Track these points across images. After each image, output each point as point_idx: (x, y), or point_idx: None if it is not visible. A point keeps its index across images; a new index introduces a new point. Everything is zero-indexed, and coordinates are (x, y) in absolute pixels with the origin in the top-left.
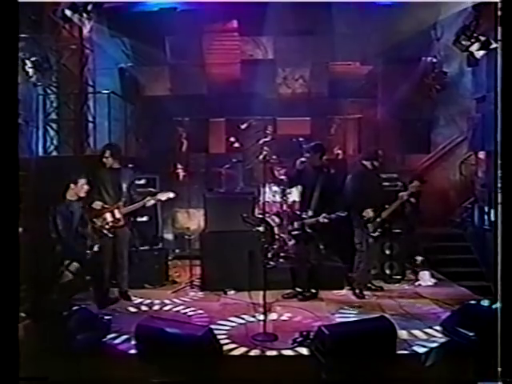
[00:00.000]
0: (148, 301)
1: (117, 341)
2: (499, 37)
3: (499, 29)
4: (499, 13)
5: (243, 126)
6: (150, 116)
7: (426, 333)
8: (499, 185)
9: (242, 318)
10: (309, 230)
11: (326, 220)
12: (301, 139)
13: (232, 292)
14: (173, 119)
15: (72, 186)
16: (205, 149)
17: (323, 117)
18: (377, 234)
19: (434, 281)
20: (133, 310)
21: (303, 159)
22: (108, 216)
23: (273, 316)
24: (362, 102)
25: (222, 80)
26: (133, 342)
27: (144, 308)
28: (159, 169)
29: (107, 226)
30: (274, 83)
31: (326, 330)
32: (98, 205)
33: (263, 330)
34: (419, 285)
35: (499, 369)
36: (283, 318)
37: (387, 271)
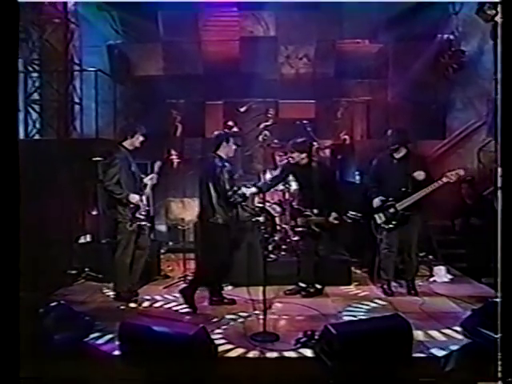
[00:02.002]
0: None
1: (100, 341)
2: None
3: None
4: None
5: (242, 109)
6: (141, 98)
7: (444, 334)
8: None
9: (240, 316)
10: (316, 229)
11: (336, 221)
12: (305, 122)
13: (229, 287)
14: (166, 101)
15: (224, 144)
16: (201, 133)
17: (329, 99)
18: (390, 226)
19: (450, 277)
20: (121, 306)
21: (285, 161)
22: (141, 204)
23: (274, 314)
24: (371, 83)
25: (220, 59)
26: (117, 343)
27: (132, 305)
28: (151, 155)
29: (142, 217)
30: (276, 62)
31: (333, 330)
32: (135, 198)
33: (263, 329)
34: (434, 281)
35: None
36: (285, 315)
37: (399, 266)
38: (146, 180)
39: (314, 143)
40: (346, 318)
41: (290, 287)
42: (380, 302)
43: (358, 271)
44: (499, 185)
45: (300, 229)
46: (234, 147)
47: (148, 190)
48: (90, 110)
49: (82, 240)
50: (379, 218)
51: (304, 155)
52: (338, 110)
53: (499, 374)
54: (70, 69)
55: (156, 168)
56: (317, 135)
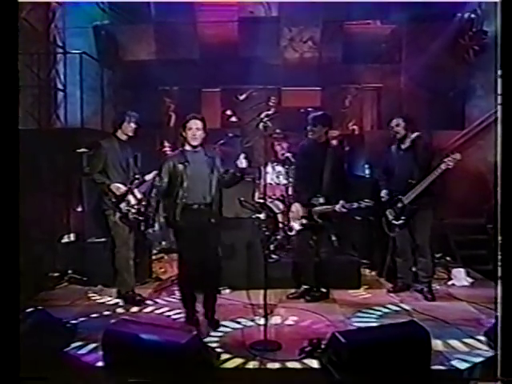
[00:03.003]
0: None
1: (82, 351)
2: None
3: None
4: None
5: (242, 97)
6: (131, 84)
7: (466, 344)
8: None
9: (238, 323)
10: (319, 220)
11: (344, 210)
12: (310, 110)
13: (227, 291)
14: (159, 88)
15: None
16: None
17: (336, 86)
18: (400, 221)
19: (470, 280)
20: (106, 312)
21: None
22: (131, 198)
23: (275, 320)
24: (383, 68)
25: (217, 42)
26: (100, 353)
27: (120, 310)
28: (143, 146)
29: (133, 210)
30: (279, 46)
31: (342, 338)
32: (119, 188)
33: (264, 336)
34: (453, 284)
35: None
36: (288, 322)
37: (414, 269)
38: (149, 177)
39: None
40: (356, 325)
41: (293, 291)
42: (393, 307)
43: (368, 273)
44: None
45: (302, 221)
46: (198, 132)
47: (145, 186)
48: (74, 97)
49: (65, 239)
50: (390, 214)
51: (326, 129)
52: (346, 97)
53: (499, 374)
54: (53, 51)
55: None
56: None
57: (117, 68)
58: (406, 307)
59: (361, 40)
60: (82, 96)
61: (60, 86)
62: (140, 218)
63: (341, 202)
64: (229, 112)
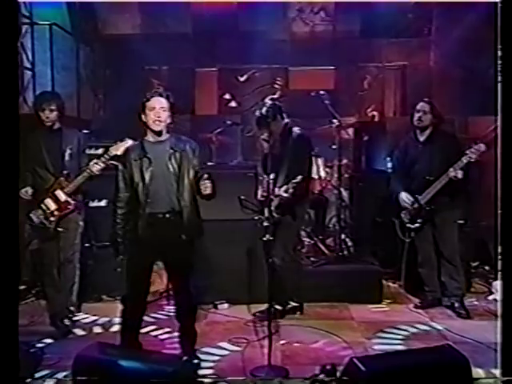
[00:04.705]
0: (105, 319)
1: (49, 382)
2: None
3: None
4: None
5: (242, 79)
6: (113, 63)
7: None
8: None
9: (238, 345)
10: (276, 215)
11: (287, 194)
12: (322, 93)
13: (224, 306)
14: (145, 68)
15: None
16: (190, 109)
17: (353, 65)
18: (416, 225)
19: None
20: (81, 332)
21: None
22: (50, 202)
23: (281, 341)
24: (409, 43)
25: (213, 13)
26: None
27: (98, 330)
28: (126, 135)
29: (53, 218)
30: (286, 18)
31: (361, 364)
32: (27, 191)
33: (267, 361)
34: (494, 300)
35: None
36: (296, 343)
37: (442, 279)
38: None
39: (334, 120)
40: (377, 348)
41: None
42: (422, 326)
43: (392, 285)
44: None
45: (266, 223)
46: (163, 114)
47: (77, 182)
48: (44, 77)
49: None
50: (405, 217)
51: (274, 123)
52: (365, 78)
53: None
54: (18, 23)
55: (114, 151)
56: (337, 110)
57: (95, 44)
58: (438, 327)
59: (382, 10)
60: (54, 76)
61: (27, 65)
62: (61, 228)
63: (284, 186)
64: (227, 96)
